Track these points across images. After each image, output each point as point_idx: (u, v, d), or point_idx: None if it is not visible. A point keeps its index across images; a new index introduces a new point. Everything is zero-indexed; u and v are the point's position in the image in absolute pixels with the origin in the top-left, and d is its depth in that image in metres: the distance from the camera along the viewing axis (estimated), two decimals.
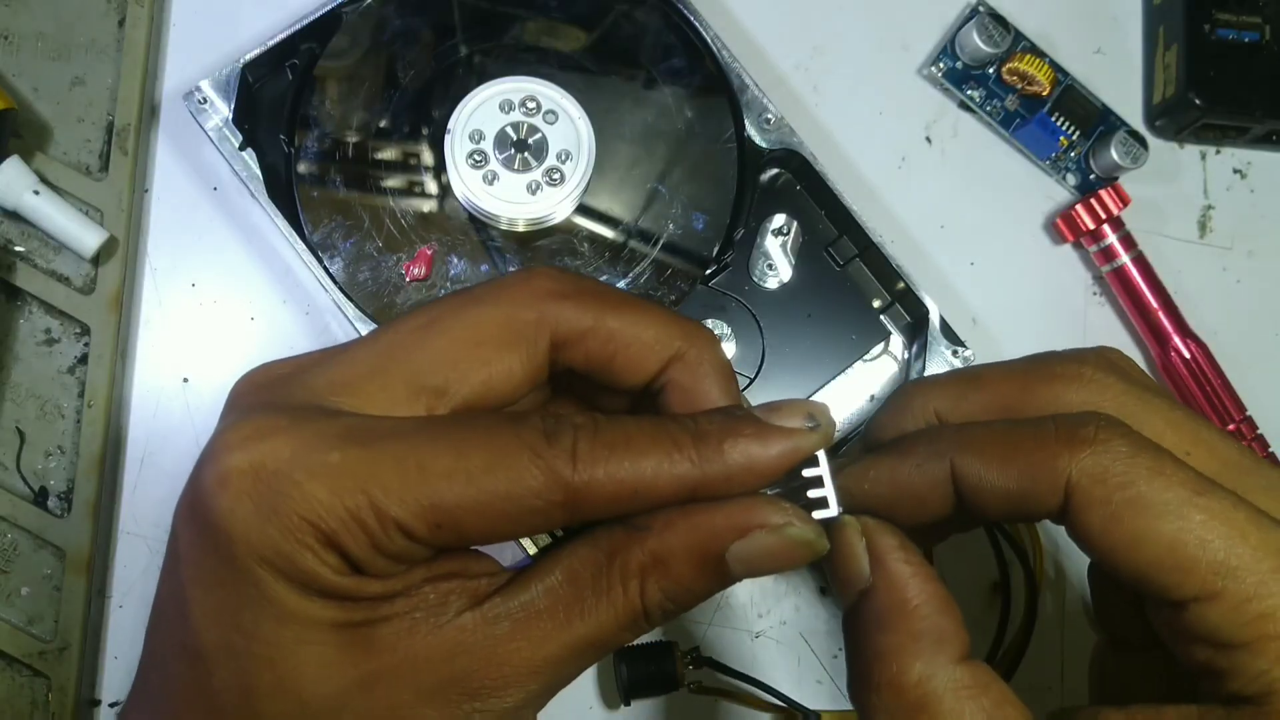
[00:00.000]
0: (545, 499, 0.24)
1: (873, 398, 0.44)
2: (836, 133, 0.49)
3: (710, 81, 0.45)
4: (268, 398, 0.26)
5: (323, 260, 0.42)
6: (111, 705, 0.42)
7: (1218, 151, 0.51)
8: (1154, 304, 0.47)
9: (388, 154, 0.44)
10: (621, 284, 0.43)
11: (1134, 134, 0.48)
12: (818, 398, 0.44)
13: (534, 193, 0.42)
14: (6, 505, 0.42)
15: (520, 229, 0.43)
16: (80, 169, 0.45)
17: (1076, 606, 0.46)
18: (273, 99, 0.44)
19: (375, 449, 0.24)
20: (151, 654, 0.27)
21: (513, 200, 0.42)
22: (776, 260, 0.44)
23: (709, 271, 0.44)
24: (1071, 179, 0.49)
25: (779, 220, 0.45)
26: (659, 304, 0.29)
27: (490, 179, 0.42)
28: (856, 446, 0.31)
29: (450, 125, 0.42)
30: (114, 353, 0.44)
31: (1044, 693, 0.46)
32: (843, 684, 0.45)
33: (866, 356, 0.44)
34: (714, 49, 0.45)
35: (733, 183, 0.44)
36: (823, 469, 0.26)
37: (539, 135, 0.43)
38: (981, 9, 0.49)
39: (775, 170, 0.45)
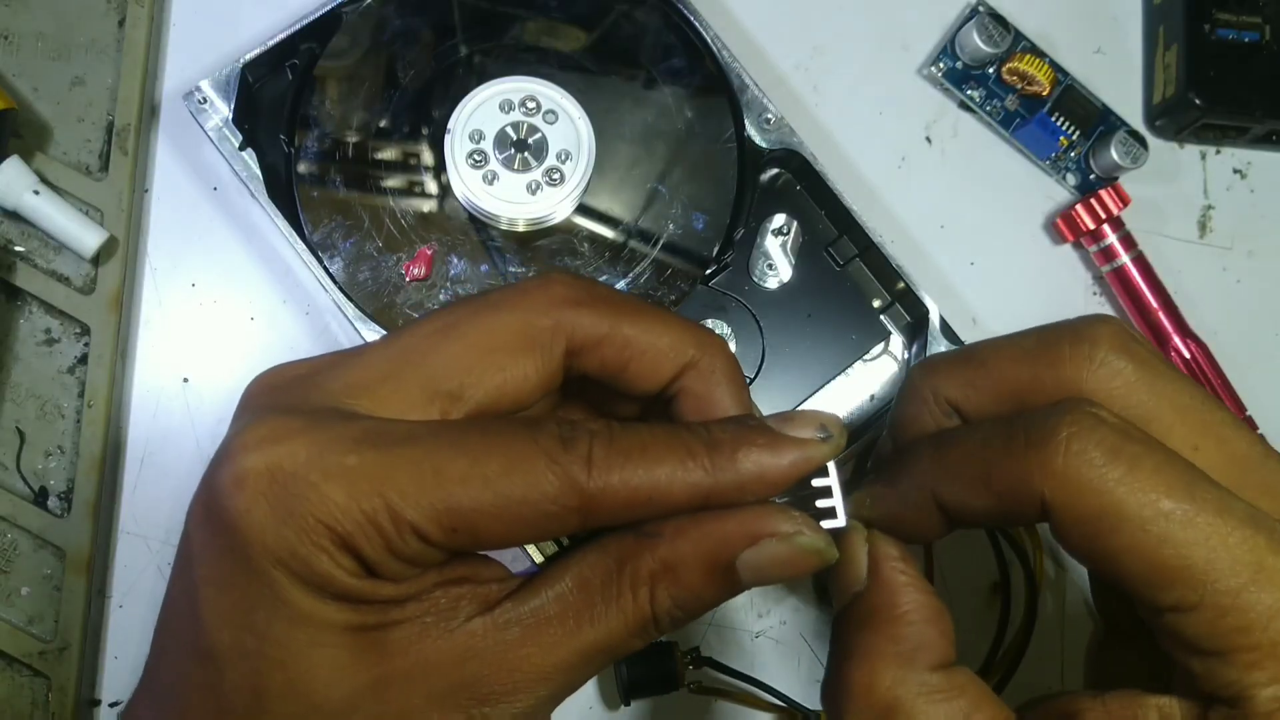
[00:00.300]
0: (561, 504, 0.24)
1: (873, 397, 0.44)
2: (836, 133, 0.49)
3: (710, 81, 0.45)
4: (283, 399, 0.26)
5: (323, 260, 0.42)
6: (112, 705, 0.42)
7: (1218, 151, 0.51)
8: (1154, 304, 0.47)
9: (388, 154, 0.44)
10: (621, 284, 0.43)
11: (1134, 134, 0.48)
12: (818, 398, 0.44)
13: (534, 193, 0.42)
14: (6, 505, 0.42)
15: (520, 229, 0.43)
16: (80, 169, 0.45)
17: (1077, 607, 0.46)
18: (273, 99, 0.44)
19: (392, 453, 0.24)
20: (160, 652, 0.27)
21: (513, 200, 0.42)
22: (776, 260, 0.44)
23: (709, 271, 0.44)
24: (1071, 179, 0.49)
25: (779, 220, 0.45)
26: (673, 312, 0.29)
27: (490, 179, 0.42)
28: (886, 441, 0.31)
29: (450, 125, 0.42)
30: (114, 353, 0.44)
31: (1044, 693, 0.45)
32: None
33: (866, 356, 0.44)
34: (714, 49, 0.45)
35: (733, 183, 0.44)
36: (832, 479, 0.27)
37: (539, 135, 0.43)
38: (981, 9, 0.49)
39: (775, 170, 0.45)
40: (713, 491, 0.25)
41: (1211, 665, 0.24)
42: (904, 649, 0.26)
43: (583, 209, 0.44)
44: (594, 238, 0.44)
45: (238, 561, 0.24)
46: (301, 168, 0.43)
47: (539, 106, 0.43)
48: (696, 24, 0.45)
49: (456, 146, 0.42)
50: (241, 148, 0.42)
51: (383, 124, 0.44)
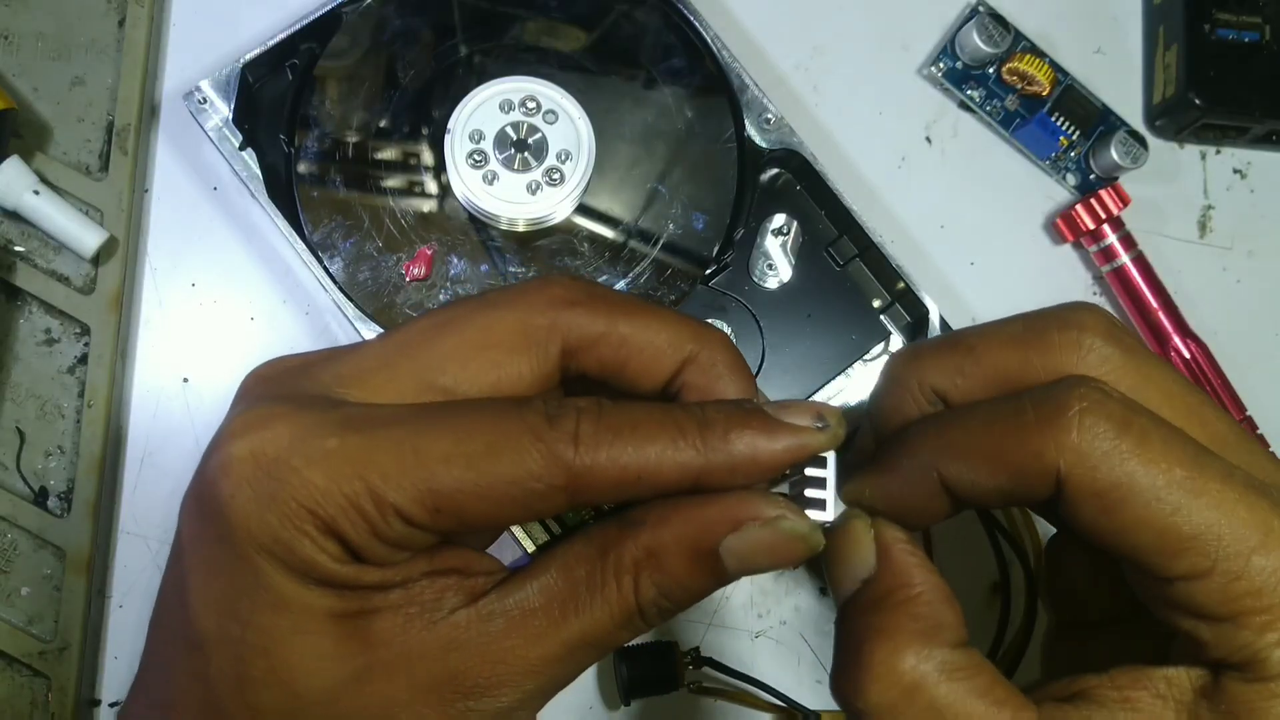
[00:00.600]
0: (546, 482, 0.24)
1: None
2: (836, 133, 0.49)
3: (710, 81, 0.45)
4: (274, 389, 0.26)
5: (323, 260, 0.42)
6: (112, 705, 0.42)
7: (1218, 151, 0.51)
8: (1154, 304, 0.47)
9: (388, 154, 0.44)
10: (621, 284, 0.43)
11: (1134, 134, 0.48)
12: (818, 398, 0.44)
13: (534, 193, 0.42)
14: (6, 505, 0.42)
15: (520, 229, 0.43)
16: (80, 169, 0.45)
17: None
18: (273, 99, 0.44)
19: (373, 435, 0.24)
20: (152, 644, 0.27)
21: (513, 200, 0.42)
22: (776, 260, 0.44)
23: (709, 271, 0.44)
24: (1071, 179, 0.49)
25: (779, 220, 0.45)
26: (671, 309, 0.29)
27: (490, 179, 0.42)
28: (867, 432, 0.30)
29: (450, 125, 0.42)
30: (114, 353, 0.44)
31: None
32: None
33: (866, 356, 0.44)
34: (714, 49, 0.45)
35: (733, 183, 0.44)
36: (829, 471, 0.26)
37: (539, 135, 0.43)
38: (981, 9, 0.49)
39: (775, 170, 0.45)
40: (704, 472, 0.25)
41: (1223, 631, 0.24)
42: (924, 627, 0.25)
43: (583, 209, 0.44)
44: (594, 238, 0.44)
45: (224, 548, 0.24)
46: (301, 168, 0.43)
47: (539, 106, 0.43)
48: (696, 24, 0.45)
49: (456, 146, 0.42)
50: (241, 148, 0.42)
51: (383, 124, 0.44)
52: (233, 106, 0.43)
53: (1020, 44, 0.49)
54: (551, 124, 0.43)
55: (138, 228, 0.46)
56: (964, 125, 0.50)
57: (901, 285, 0.44)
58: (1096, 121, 0.49)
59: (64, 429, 0.43)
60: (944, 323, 0.43)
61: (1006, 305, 0.48)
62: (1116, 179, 0.49)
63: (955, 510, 0.28)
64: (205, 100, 0.43)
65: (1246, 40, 0.49)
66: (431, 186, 0.44)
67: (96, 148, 0.45)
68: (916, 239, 0.48)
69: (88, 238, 0.43)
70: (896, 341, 0.45)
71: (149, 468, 0.44)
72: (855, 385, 0.44)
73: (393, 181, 0.43)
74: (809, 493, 0.26)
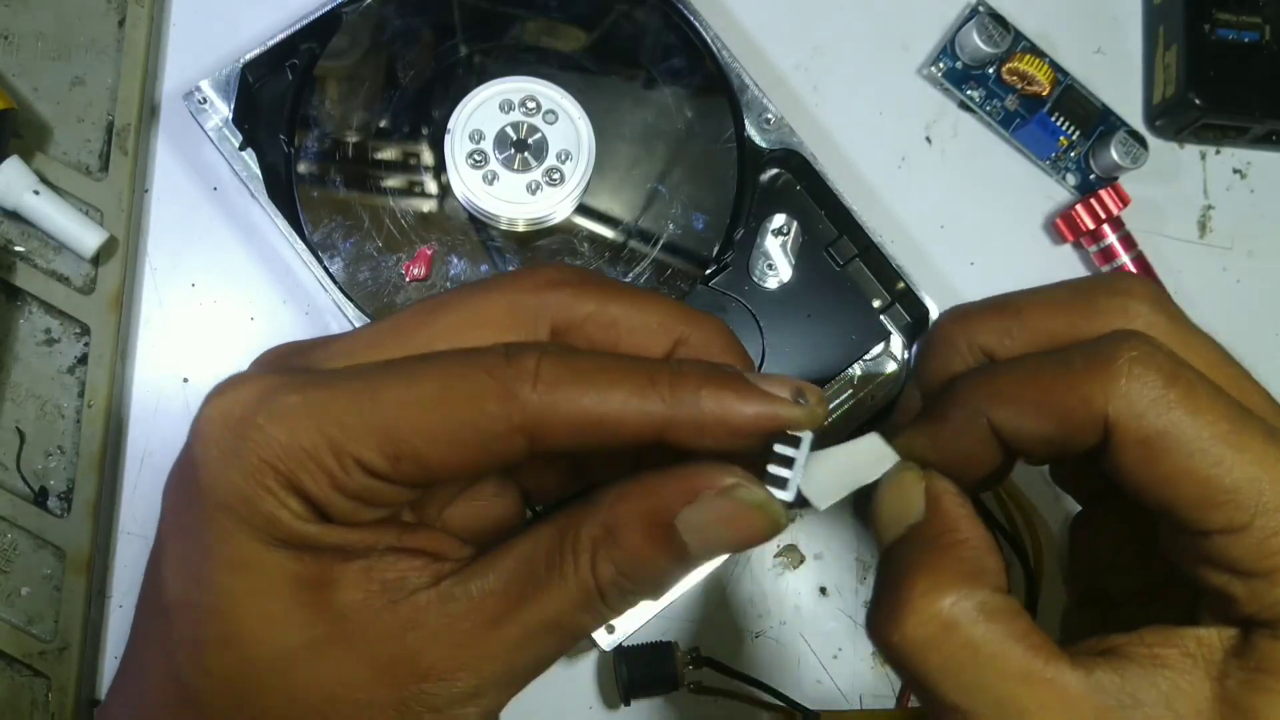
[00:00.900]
0: (503, 421, 0.23)
1: (873, 398, 0.44)
2: (836, 133, 0.49)
3: (710, 81, 0.45)
4: (265, 369, 0.26)
5: (323, 260, 0.42)
6: None
7: (1218, 151, 0.51)
8: None
9: (388, 154, 0.44)
10: None
11: (1134, 134, 0.48)
12: None
13: (534, 193, 0.42)
14: (6, 505, 0.42)
15: (520, 229, 0.43)
16: (80, 169, 0.45)
17: None
18: (273, 99, 0.44)
19: (334, 389, 0.24)
20: (134, 620, 0.27)
21: (513, 200, 0.42)
22: (776, 260, 0.44)
23: (709, 271, 0.44)
24: (1071, 179, 0.49)
25: (779, 220, 0.45)
26: (664, 294, 0.29)
27: (490, 179, 0.42)
28: (910, 388, 0.31)
29: (450, 125, 0.42)
30: (114, 353, 0.44)
31: None
32: (843, 683, 0.45)
33: (866, 356, 0.44)
34: (714, 49, 0.45)
35: (733, 183, 0.44)
36: (801, 452, 0.25)
37: (539, 135, 0.43)
38: (981, 9, 0.49)
39: (775, 170, 0.45)
40: (669, 425, 0.24)
41: (1256, 587, 0.24)
42: (967, 569, 0.25)
43: (583, 209, 0.44)
44: (594, 238, 0.44)
45: (192, 510, 0.24)
46: (301, 168, 0.43)
47: (539, 106, 0.43)
48: (696, 24, 0.45)
49: (456, 146, 0.42)
50: (241, 148, 0.42)
51: (383, 124, 0.44)
52: (233, 106, 0.43)
53: (1020, 44, 0.49)
54: (551, 124, 0.43)
55: (138, 228, 0.46)
56: (964, 125, 0.50)
57: (901, 285, 0.44)
58: (1096, 121, 0.49)
59: (64, 429, 0.43)
60: None
61: None
62: (1116, 179, 0.49)
63: (1006, 463, 0.28)
64: (205, 100, 0.43)
65: (1246, 40, 0.49)
66: (431, 186, 0.44)
67: (96, 148, 0.45)
68: (916, 239, 0.48)
69: (88, 238, 0.43)
70: (896, 341, 0.45)
71: (149, 468, 0.44)
72: (855, 385, 0.44)
73: (393, 181, 0.43)
74: (773, 469, 0.25)
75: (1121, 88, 0.50)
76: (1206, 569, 0.25)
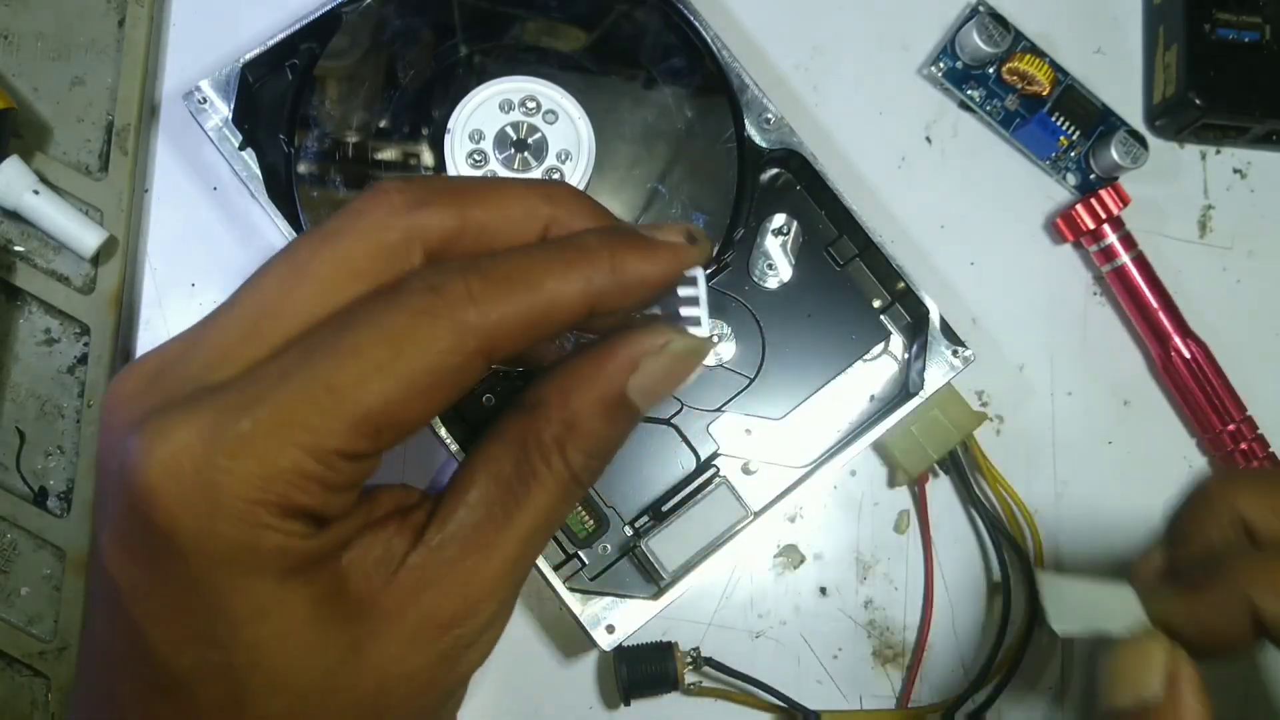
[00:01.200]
0: (462, 354, 0.23)
1: (873, 397, 0.44)
2: (836, 133, 0.49)
3: (710, 81, 0.45)
4: (149, 402, 0.24)
5: None
6: None
7: (1218, 151, 0.51)
8: (1154, 304, 0.47)
9: (388, 154, 0.44)
10: None
11: (1134, 134, 0.48)
12: (818, 397, 0.44)
13: None
14: (6, 505, 0.42)
15: None
16: (80, 169, 0.45)
17: None
18: (273, 99, 0.44)
19: (278, 398, 0.22)
20: (106, 704, 0.25)
21: None
22: (776, 260, 0.44)
23: (709, 271, 0.44)
24: (1071, 179, 0.49)
25: (779, 220, 0.45)
26: (512, 179, 0.28)
27: None
28: (1158, 546, 0.31)
29: (450, 125, 0.42)
30: (114, 353, 0.44)
31: (1044, 693, 0.46)
32: (843, 683, 0.45)
33: (866, 356, 0.44)
34: (714, 49, 0.45)
35: (733, 183, 0.44)
36: (700, 290, 0.27)
37: (539, 135, 0.43)
38: (981, 9, 0.49)
39: (775, 170, 0.45)
40: (599, 297, 0.25)
41: None
42: None
43: None
44: None
45: (178, 583, 0.23)
46: (301, 168, 0.43)
47: (539, 106, 0.43)
48: (696, 24, 0.45)
49: (456, 146, 0.42)
50: (241, 148, 0.42)
51: (383, 124, 0.44)
52: (233, 106, 0.43)
53: (1020, 44, 0.49)
54: (551, 124, 0.43)
55: (137, 228, 0.46)
56: (964, 125, 0.50)
57: (901, 285, 0.44)
58: (1096, 121, 0.49)
59: (64, 429, 0.43)
60: (944, 322, 0.43)
61: (1006, 305, 0.48)
62: (1116, 179, 0.49)
63: (1253, 641, 0.28)
64: (205, 100, 0.43)
65: (1246, 40, 0.49)
66: None
67: (96, 148, 0.45)
68: (916, 239, 0.48)
69: (87, 238, 0.43)
70: (896, 341, 0.45)
71: None
72: (855, 385, 0.44)
73: None
74: (685, 311, 0.27)
75: (1121, 88, 0.50)
76: None
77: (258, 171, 0.42)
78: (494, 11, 0.45)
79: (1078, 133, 0.49)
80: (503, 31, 0.45)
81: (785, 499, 0.42)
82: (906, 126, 0.50)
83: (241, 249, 0.46)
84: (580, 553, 0.41)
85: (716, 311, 0.44)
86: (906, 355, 0.45)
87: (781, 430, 0.43)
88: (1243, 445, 0.47)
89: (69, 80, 0.45)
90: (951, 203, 0.49)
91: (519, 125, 0.43)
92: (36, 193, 0.43)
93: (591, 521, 0.42)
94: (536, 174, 0.42)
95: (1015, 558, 0.45)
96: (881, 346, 0.45)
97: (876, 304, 0.45)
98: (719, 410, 0.43)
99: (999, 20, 0.48)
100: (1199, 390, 0.47)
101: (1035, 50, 0.49)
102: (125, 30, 0.46)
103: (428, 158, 0.44)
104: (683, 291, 0.27)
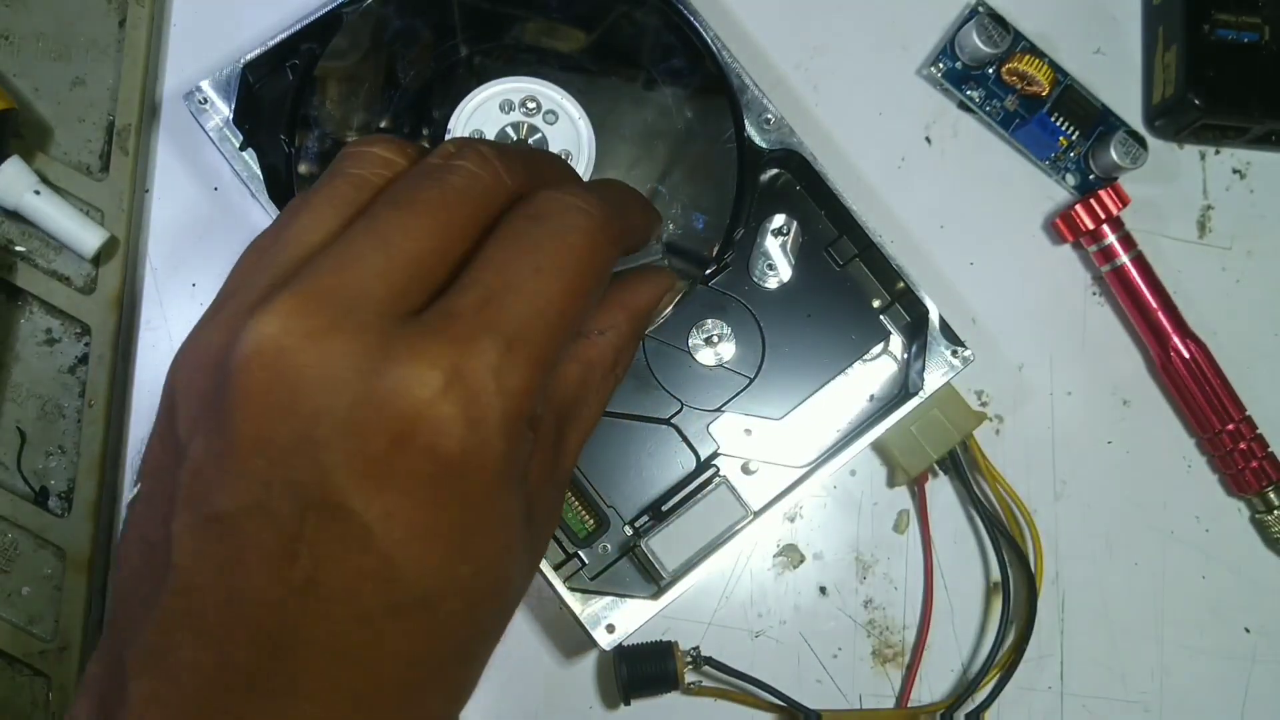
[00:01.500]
0: (615, 253, 0.28)
1: (872, 397, 0.44)
2: (836, 133, 0.49)
3: (710, 82, 0.45)
4: (401, 336, 0.25)
5: None
6: None
7: (1217, 152, 0.51)
8: (1154, 304, 0.47)
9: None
10: None
11: (1133, 134, 0.48)
12: (818, 397, 0.44)
13: None
14: (7, 505, 0.42)
15: None
16: (81, 169, 0.45)
17: (1077, 606, 0.46)
18: (273, 99, 0.44)
19: (511, 319, 0.25)
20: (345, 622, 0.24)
21: None
22: (776, 260, 0.44)
23: (709, 271, 0.44)
24: (1071, 179, 0.49)
25: (779, 220, 0.45)
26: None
27: None
28: None
29: (450, 125, 0.42)
30: (114, 353, 0.44)
31: (1044, 693, 0.46)
32: (843, 683, 0.45)
33: (866, 356, 0.44)
34: (714, 49, 0.45)
35: (733, 183, 0.44)
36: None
37: (539, 135, 0.43)
38: (981, 9, 0.49)
39: (775, 170, 0.45)
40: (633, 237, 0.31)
41: None
42: None
43: None
44: None
45: (444, 502, 0.24)
46: (302, 168, 0.43)
47: (539, 107, 0.43)
48: (696, 24, 0.45)
49: None
50: (242, 148, 0.42)
51: (383, 124, 0.44)
52: (233, 107, 0.43)
53: (1020, 44, 0.49)
54: (552, 124, 0.43)
55: (138, 228, 0.46)
56: (964, 125, 0.50)
57: (901, 285, 0.44)
58: (1096, 122, 0.49)
59: (64, 429, 0.43)
60: (943, 322, 0.43)
61: (1006, 305, 0.48)
62: (1116, 179, 0.49)
63: None
64: (206, 100, 0.43)
65: (1246, 40, 0.49)
66: None
67: (97, 148, 0.45)
68: (916, 239, 0.49)
69: (88, 238, 0.43)
70: (896, 341, 0.45)
71: None
72: (855, 385, 0.44)
73: None
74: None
75: (1121, 88, 0.50)
76: None
77: (258, 172, 0.42)
78: (494, 12, 0.45)
79: (1077, 133, 0.49)
80: (503, 32, 0.45)
81: (785, 499, 0.42)
82: (906, 127, 0.50)
83: (242, 249, 0.46)
84: (580, 552, 0.41)
85: (716, 312, 0.44)
86: (906, 355, 0.45)
87: (781, 430, 0.43)
88: (1241, 445, 0.47)
89: (70, 80, 0.45)
90: (951, 203, 0.49)
91: (519, 126, 0.43)
92: (37, 193, 0.43)
93: (591, 521, 0.42)
94: None
95: (1015, 557, 0.45)
96: (881, 346, 0.45)
97: (876, 304, 0.45)
98: (719, 410, 0.43)
99: (998, 21, 0.48)
100: (1198, 390, 0.47)
101: (1035, 50, 0.49)
102: (126, 30, 0.46)
103: None
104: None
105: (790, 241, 0.45)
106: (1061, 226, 0.48)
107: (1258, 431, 0.47)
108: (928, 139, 0.50)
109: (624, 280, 0.32)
